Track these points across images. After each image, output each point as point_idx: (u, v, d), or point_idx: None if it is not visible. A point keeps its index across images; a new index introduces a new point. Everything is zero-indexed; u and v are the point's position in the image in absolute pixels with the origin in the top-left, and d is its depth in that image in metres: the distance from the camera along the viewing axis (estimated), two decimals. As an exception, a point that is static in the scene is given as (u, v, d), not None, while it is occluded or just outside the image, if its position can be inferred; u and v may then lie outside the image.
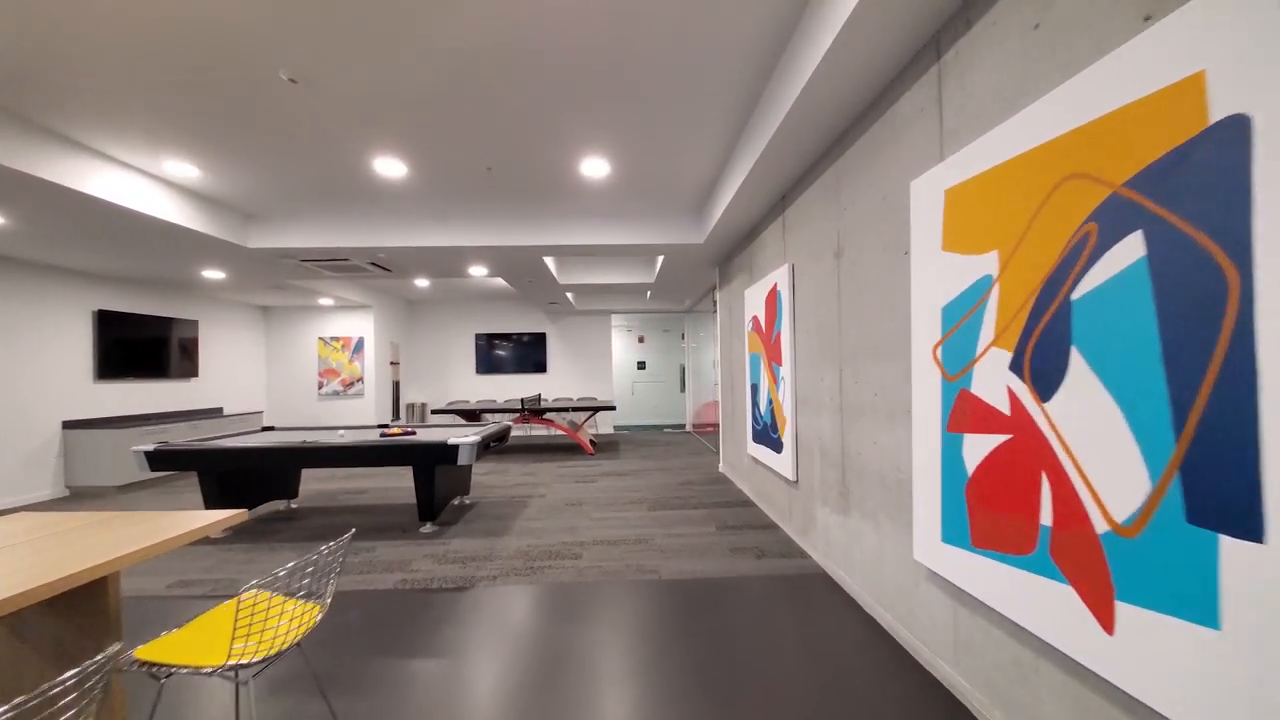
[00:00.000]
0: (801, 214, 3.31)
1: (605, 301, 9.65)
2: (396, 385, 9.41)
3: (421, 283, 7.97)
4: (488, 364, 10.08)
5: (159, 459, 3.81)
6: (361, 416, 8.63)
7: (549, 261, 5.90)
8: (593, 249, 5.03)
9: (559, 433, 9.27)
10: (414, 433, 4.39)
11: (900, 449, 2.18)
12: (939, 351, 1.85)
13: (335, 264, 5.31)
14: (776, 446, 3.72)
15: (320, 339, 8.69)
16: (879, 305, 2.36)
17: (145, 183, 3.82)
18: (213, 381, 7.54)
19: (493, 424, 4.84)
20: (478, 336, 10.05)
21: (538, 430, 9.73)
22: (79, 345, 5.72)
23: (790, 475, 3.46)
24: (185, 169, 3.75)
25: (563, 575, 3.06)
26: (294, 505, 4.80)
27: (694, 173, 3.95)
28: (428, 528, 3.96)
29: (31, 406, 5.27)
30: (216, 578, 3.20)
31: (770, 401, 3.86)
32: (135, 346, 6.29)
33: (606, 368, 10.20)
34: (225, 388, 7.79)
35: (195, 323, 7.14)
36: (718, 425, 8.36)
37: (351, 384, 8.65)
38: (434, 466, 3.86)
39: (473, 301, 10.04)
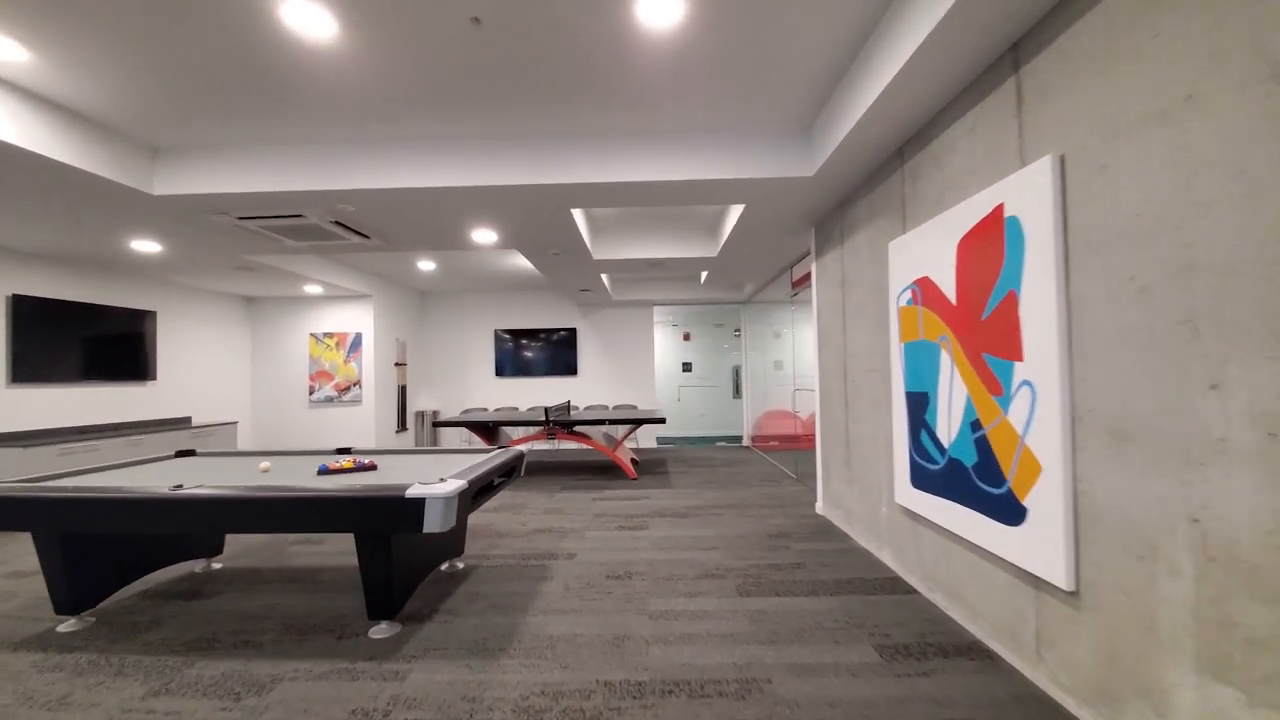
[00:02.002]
0: (1099, 43, 1.61)
1: (647, 289, 8.05)
2: (403, 390, 8.02)
3: (426, 265, 6.53)
4: (509, 365, 8.60)
5: (-33, 511, 2.36)
6: (360, 427, 7.24)
7: (580, 223, 4.32)
8: (646, 191, 3.42)
9: (594, 449, 7.70)
10: (374, 466, 2.85)
11: None
12: None
13: (288, 224, 3.85)
14: (999, 510, 2.01)
15: (312, 335, 7.36)
16: None
17: (-51, 74, 2.41)
18: (177, 386, 6.24)
19: (497, 451, 3.27)
20: (498, 333, 8.58)
21: (567, 445, 8.17)
22: (-17, 339, 4.44)
23: (1059, 578, 1.74)
24: (7, 49, 2.31)
25: (611, 808, 1.43)
26: (217, 566, 3.33)
27: (815, 47, 2.29)
28: (382, 629, 2.40)
29: (-96, 419, 3.99)
30: (-29, 752, 1.71)
31: (974, 427, 2.15)
32: (65, 342, 4.99)
33: (648, 370, 8.59)
34: (194, 393, 6.50)
35: (152, 314, 5.85)
36: (788, 441, 6.65)
37: (347, 389, 7.27)
38: (389, 535, 2.30)
39: (493, 291, 8.58)
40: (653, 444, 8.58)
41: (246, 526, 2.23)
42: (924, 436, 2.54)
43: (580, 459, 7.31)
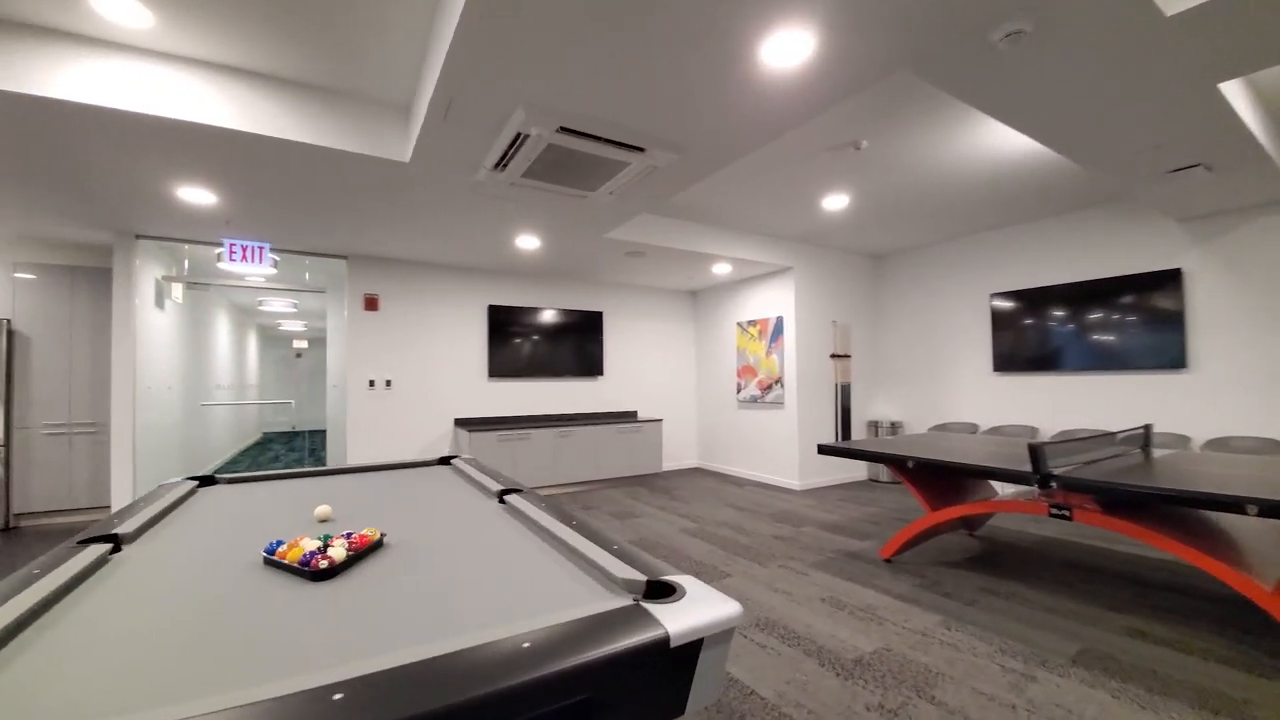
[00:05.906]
0: None
1: None
2: (844, 391, 5.92)
3: (833, 201, 4.31)
4: (1013, 354, 5.02)
5: None
6: (781, 438, 5.70)
7: None
8: None
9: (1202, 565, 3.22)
10: (331, 566, 1.21)
11: None
12: None
13: (535, 160, 2.72)
14: None
15: (738, 325, 6.36)
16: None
17: (149, 66, 2.43)
18: (621, 381, 6.48)
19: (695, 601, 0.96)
20: (993, 299, 5.17)
21: (1097, 531, 3.90)
22: (474, 341, 5.55)
23: None
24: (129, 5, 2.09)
25: None
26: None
27: None
28: None
29: (434, 401, 5.32)
30: None
31: None
32: (526, 342, 5.79)
33: None
34: (639, 388, 6.63)
35: (598, 315, 6.23)
36: None
37: (769, 387, 5.86)
38: None
39: (985, 229, 5.27)
40: None
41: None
42: None
43: (1167, 563, 3.20)
